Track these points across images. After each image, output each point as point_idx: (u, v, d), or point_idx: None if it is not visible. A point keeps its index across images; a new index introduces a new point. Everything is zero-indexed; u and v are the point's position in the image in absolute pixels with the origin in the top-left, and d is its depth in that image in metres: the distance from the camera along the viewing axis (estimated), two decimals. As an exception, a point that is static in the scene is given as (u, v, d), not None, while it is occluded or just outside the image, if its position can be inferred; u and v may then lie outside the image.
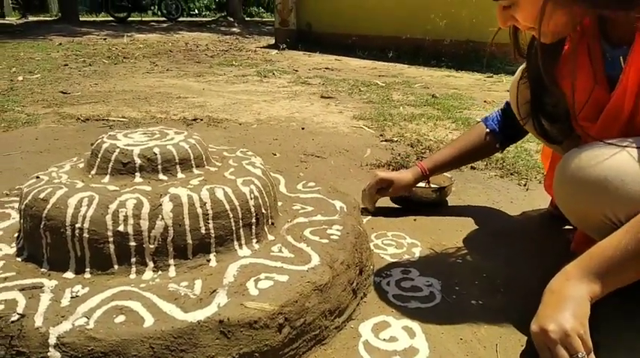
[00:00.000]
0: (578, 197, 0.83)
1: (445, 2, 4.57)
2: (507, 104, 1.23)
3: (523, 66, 1.06)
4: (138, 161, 0.84)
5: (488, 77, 3.97)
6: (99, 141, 0.90)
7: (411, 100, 2.94)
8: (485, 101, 3.00)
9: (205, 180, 0.86)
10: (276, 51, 6.01)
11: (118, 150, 0.86)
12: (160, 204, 0.78)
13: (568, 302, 0.70)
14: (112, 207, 0.76)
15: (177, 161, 0.87)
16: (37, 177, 0.87)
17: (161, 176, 0.85)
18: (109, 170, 0.85)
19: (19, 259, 0.82)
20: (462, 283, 0.99)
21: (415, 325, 0.84)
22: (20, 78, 3.58)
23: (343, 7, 5.91)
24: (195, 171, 0.89)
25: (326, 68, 4.52)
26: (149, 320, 0.66)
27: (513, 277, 1.01)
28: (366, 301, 0.92)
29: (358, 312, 0.88)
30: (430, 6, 4.84)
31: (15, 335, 0.65)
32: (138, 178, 0.84)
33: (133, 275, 0.77)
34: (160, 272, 0.78)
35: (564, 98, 0.92)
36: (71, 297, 0.72)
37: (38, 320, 0.66)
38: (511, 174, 1.63)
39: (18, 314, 0.67)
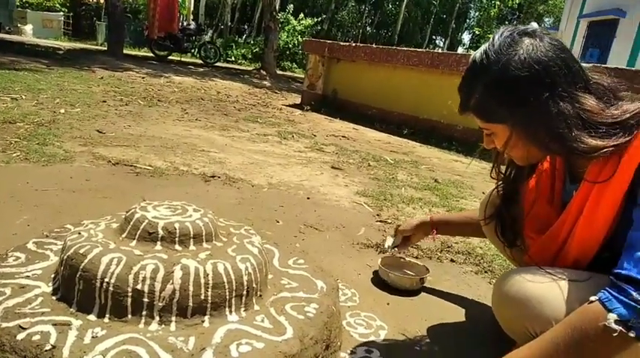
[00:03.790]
0: (506, 309, 1.03)
1: (462, 91, 4.90)
2: None
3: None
4: (161, 232, 1.06)
5: (493, 167, 4.20)
6: (132, 210, 1.11)
7: (414, 182, 3.16)
8: (483, 192, 3.20)
9: (211, 255, 1.06)
10: (300, 111, 6.36)
11: (146, 221, 1.07)
12: (172, 271, 0.98)
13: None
14: (135, 268, 0.97)
15: (191, 235, 1.08)
16: (79, 233, 1.08)
17: (177, 246, 1.06)
18: (137, 236, 1.06)
19: (53, 298, 1.02)
20: (414, 369, 1.15)
21: (364, 400, 1.01)
22: (62, 110, 3.91)
23: (368, 81, 6.30)
24: (205, 245, 1.10)
25: (343, 136, 4.80)
26: (149, 366, 0.84)
27: (458, 370, 1.17)
28: (328, 373, 1.09)
29: (319, 382, 1.05)
30: (449, 93, 5.13)
31: (46, 362, 0.84)
32: (158, 246, 1.05)
33: (141, 325, 0.96)
34: (163, 325, 0.97)
35: (523, 211, 1.14)
36: (92, 337, 0.91)
37: (65, 353, 0.85)
38: (485, 271, 1.80)
39: (51, 345, 0.87)
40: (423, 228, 1.57)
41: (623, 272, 0.81)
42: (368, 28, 30.08)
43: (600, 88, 0.96)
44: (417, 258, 1.83)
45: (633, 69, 3.92)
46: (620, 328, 0.77)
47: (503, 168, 1.18)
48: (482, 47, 0.98)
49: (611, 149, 0.89)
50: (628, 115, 0.90)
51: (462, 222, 1.56)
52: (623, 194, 0.90)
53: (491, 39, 0.98)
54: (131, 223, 1.08)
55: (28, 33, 16.90)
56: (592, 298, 0.83)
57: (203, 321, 1.00)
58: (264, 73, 11.60)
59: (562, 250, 1.02)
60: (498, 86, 0.95)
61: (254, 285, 1.09)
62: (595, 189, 0.94)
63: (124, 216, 1.13)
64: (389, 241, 1.65)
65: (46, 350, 0.85)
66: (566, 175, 1.10)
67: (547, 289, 0.95)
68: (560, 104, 0.91)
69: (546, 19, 30.07)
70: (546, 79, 0.91)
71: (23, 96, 4.31)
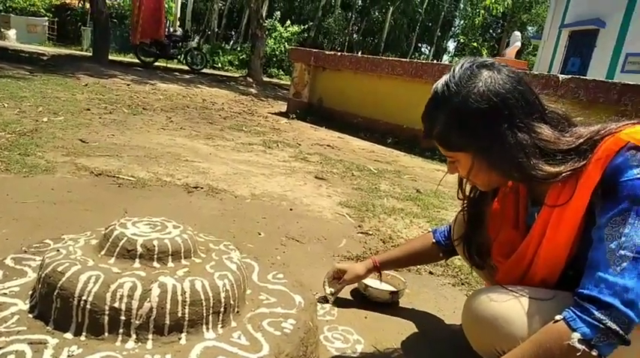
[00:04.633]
0: (475, 328, 1.06)
1: (445, 101, 4.97)
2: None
3: None
4: (140, 250, 1.07)
5: (475, 176, 4.26)
6: (112, 227, 1.13)
7: (396, 192, 3.20)
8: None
9: (189, 272, 1.08)
10: (286, 120, 6.39)
11: (125, 238, 1.08)
12: (150, 289, 0.99)
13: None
14: (113, 286, 0.98)
15: (170, 253, 1.09)
16: (57, 250, 1.09)
17: (155, 263, 1.07)
18: (116, 253, 1.07)
19: (30, 315, 1.02)
20: (389, 383, 1.18)
21: (339, 415, 1.03)
22: (45, 119, 3.89)
23: (354, 90, 6.36)
24: (183, 261, 1.11)
25: (327, 145, 4.83)
26: (125, 385, 0.86)
27: (432, 384, 1.20)
28: (304, 388, 1.11)
29: (295, 397, 1.07)
30: (431, 102, 5.24)
31: (21, 382, 0.85)
32: (137, 263, 1.06)
33: (118, 343, 0.97)
34: (139, 343, 0.98)
35: (489, 235, 1.17)
36: (68, 355, 0.92)
37: (40, 372, 0.86)
38: (462, 284, 1.84)
39: (26, 365, 0.87)
40: (368, 274, 1.56)
41: (585, 292, 0.84)
42: (355, 36, 30.29)
43: (555, 117, 1.01)
44: (396, 270, 1.85)
45: (610, 81, 4.03)
46: (584, 347, 0.81)
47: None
48: (444, 78, 1.02)
49: (568, 173, 0.93)
50: (582, 140, 0.95)
51: (406, 256, 1.55)
52: (582, 215, 0.94)
53: (451, 70, 1.02)
54: (110, 240, 1.09)
55: (11, 38, 16.72)
56: (557, 317, 0.86)
57: (180, 339, 1.01)
58: (251, 80, 11.61)
59: (528, 272, 1.06)
60: (459, 117, 0.99)
61: (231, 302, 1.10)
62: (555, 212, 0.98)
63: (103, 233, 1.14)
64: (329, 288, 1.55)
65: (21, 370, 0.86)
66: (528, 199, 1.14)
67: (513, 309, 0.98)
68: (518, 134, 0.96)
69: (530, 28, 30.58)
70: (504, 111, 0.96)
71: (5, 105, 4.27)
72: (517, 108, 0.96)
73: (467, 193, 1.21)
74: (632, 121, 0.95)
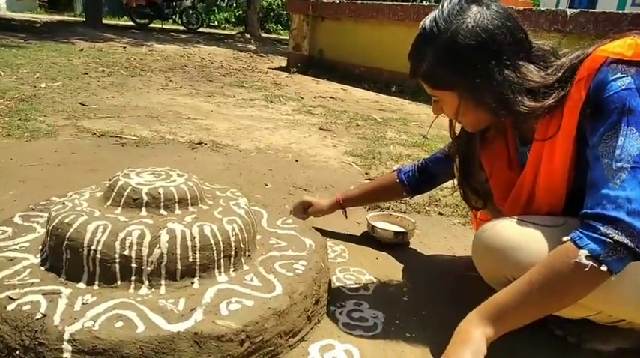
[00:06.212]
0: (485, 260, 1.06)
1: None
2: (425, 161, 1.48)
3: None
4: (145, 198, 1.06)
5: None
6: (115, 178, 1.11)
7: (402, 139, 3.16)
8: (472, 146, 3.20)
9: (197, 218, 1.07)
10: (287, 74, 6.27)
11: (130, 188, 1.07)
12: (159, 236, 0.99)
13: (469, 342, 0.90)
14: (121, 235, 0.97)
15: (176, 200, 1.08)
16: (63, 203, 1.08)
17: (162, 211, 1.07)
18: (122, 203, 1.06)
19: (42, 268, 1.03)
20: (403, 318, 1.19)
21: (355, 349, 1.05)
22: (43, 85, 3.83)
23: (355, 39, 6.19)
24: (190, 208, 1.11)
25: (331, 97, 4.75)
26: (141, 327, 0.86)
27: (446, 316, 1.20)
28: (319, 326, 1.12)
29: (310, 335, 1.08)
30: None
31: (38, 330, 0.86)
32: (144, 212, 1.05)
33: (131, 290, 0.97)
34: (153, 289, 0.98)
35: (486, 178, 1.16)
36: (82, 303, 0.92)
37: (56, 320, 0.87)
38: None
39: (41, 313, 0.88)
40: (332, 209, 1.61)
41: (589, 211, 0.84)
42: (353, -15, 29.28)
43: (540, 53, 0.99)
44: (405, 212, 1.85)
45: (620, 12, 3.87)
46: (591, 263, 0.80)
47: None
48: (432, 15, 0.99)
49: (553, 103, 0.93)
50: (563, 70, 0.95)
51: (370, 193, 1.59)
52: (573, 139, 0.93)
53: (440, 6, 0.99)
54: (115, 190, 1.08)
55: (1, 7, 16.32)
56: (564, 239, 0.85)
57: (192, 283, 1.01)
58: (249, 36, 11.36)
59: (531, 207, 1.04)
60: (447, 54, 0.97)
61: (242, 246, 1.10)
62: (546, 145, 0.97)
63: (107, 184, 1.13)
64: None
65: (37, 319, 0.87)
66: (516, 139, 1.13)
67: (522, 237, 0.97)
68: (505, 72, 0.95)
69: (534, -33, 29.37)
70: (492, 47, 0.94)
71: (2, 73, 4.21)
72: (505, 44, 0.94)
73: (457, 134, 1.20)
74: (606, 40, 0.93)
